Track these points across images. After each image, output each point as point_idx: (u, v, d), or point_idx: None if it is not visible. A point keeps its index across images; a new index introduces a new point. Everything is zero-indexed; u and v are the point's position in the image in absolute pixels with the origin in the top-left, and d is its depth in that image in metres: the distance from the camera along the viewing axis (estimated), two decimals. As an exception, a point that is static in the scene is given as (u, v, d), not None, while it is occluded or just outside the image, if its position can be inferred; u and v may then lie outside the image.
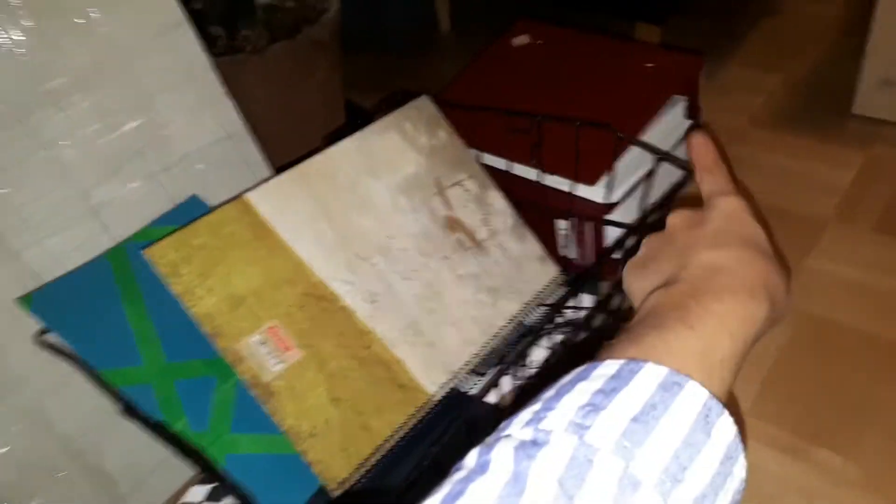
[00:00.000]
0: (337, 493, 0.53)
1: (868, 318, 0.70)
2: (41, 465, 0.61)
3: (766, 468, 0.61)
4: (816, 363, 0.67)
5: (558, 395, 0.29)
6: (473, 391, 0.62)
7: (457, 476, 0.27)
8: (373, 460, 0.55)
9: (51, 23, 0.57)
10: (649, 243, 0.41)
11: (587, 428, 0.27)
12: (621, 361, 0.29)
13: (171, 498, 0.69)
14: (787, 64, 1.07)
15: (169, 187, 0.65)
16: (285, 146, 0.80)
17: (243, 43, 0.87)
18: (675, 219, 0.40)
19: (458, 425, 0.55)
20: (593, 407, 0.27)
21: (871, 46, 0.88)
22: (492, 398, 0.57)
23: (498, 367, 0.62)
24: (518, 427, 0.28)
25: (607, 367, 0.29)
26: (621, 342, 0.32)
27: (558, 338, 0.64)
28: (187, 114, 0.65)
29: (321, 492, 0.58)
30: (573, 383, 0.29)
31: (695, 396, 0.28)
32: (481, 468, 0.27)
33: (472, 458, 0.28)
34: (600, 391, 0.28)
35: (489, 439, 0.28)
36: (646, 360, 0.29)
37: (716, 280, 0.34)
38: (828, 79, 1.03)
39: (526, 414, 0.29)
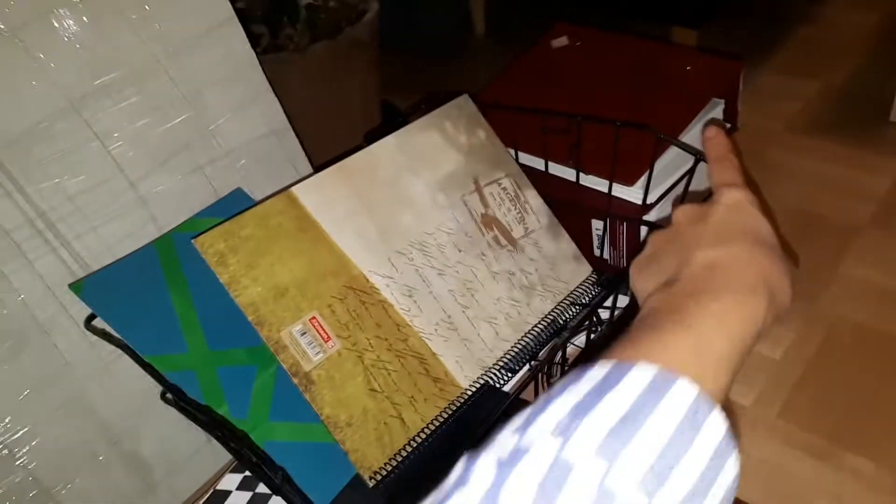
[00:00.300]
0: (372, 481, 0.54)
1: (903, 327, 0.70)
2: (81, 449, 0.64)
3: (797, 472, 0.61)
4: (850, 368, 0.67)
5: (548, 400, 0.29)
6: (506, 387, 0.62)
7: (444, 485, 0.28)
8: (406, 451, 0.56)
9: (108, 17, 0.59)
10: (654, 240, 0.41)
11: (572, 431, 0.26)
12: (612, 362, 0.29)
13: (204, 486, 0.71)
14: (825, 71, 1.06)
15: (214, 180, 0.67)
16: (323, 143, 0.82)
17: (286, 42, 0.89)
18: (679, 214, 0.40)
19: (493, 423, 0.56)
20: (580, 410, 0.27)
21: (911, 54, 0.87)
22: (524, 394, 0.58)
23: (531, 367, 0.63)
24: (508, 433, 0.28)
25: (598, 370, 0.29)
26: (619, 343, 0.32)
27: (592, 336, 0.65)
28: (234, 109, 0.67)
29: (356, 480, 0.59)
30: (564, 386, 0.29)
31: (683, 394, 0.28)
32: (462, 480, 0.27)
33: (459, 466, 0.28)
34: (589, 393, 0.28)
35: (481, 447, 0.28)
36: (637, 360, 0.29)
37: (715, 278, 0.34)
38: (866, 87, 1.02)
39: (518, 419, 0.29)
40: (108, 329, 0.56)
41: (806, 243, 0.80)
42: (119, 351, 0.61)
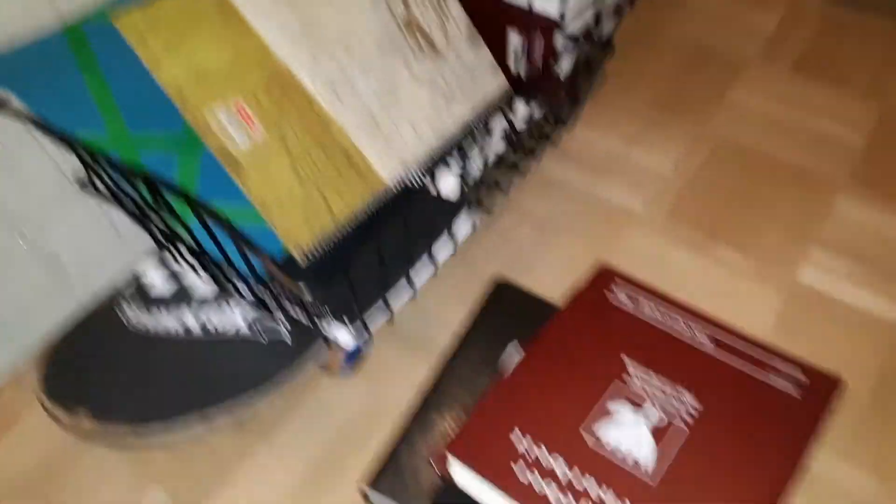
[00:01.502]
0: (301, 259, 0.58)
1: (775, 144, 0.78)
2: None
3: (677, 262, 0.69)
4: (729, 179, 0.76)
5: None
6: (425, 186, 0.66)
7: None
8: (333, 234, 0.60)
9: None
10: None
11: None
12: None
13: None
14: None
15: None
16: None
17: None
18: None
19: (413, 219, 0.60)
20: None
21: None
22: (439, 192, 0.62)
23: (450, 168, 0.67)
24: None
25: None
26: None
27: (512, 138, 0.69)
28: None
29: (284, 261, 0.62)
30: None
31: None
32: None
33: None
34: None
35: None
36: None
37: None
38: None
39: None
40: (22, 109, 0.55)
41: (697, 73, 0.86)
42: (19, 141, 0.60)
